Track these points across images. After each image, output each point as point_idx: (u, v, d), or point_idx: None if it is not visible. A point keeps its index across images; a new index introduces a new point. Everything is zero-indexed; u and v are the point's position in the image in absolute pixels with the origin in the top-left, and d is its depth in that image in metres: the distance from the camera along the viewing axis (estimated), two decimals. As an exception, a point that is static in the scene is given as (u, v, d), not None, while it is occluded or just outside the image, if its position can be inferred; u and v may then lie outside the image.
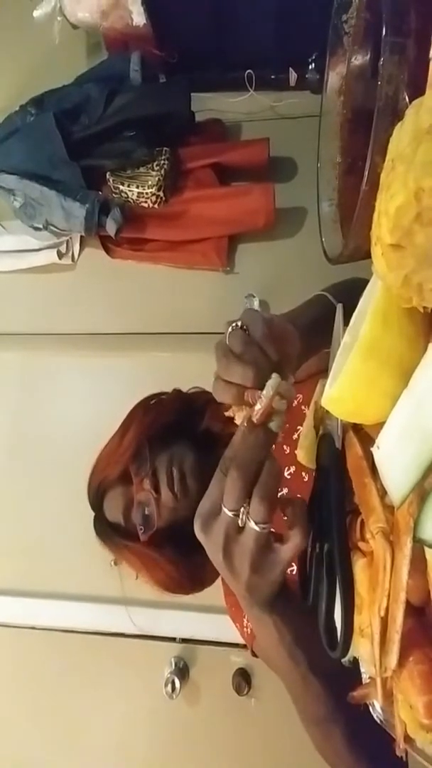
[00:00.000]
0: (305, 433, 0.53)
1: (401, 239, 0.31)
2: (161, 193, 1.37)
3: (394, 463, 0.36)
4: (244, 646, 0.82)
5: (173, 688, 1.31)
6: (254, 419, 0.42)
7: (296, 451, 0.54)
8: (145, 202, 1.38)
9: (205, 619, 1.31)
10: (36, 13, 1.43)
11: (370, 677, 0.44)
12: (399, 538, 0.37)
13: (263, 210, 1.35)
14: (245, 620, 0.77)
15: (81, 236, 1.49)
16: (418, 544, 0.35)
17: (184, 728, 1.36)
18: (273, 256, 1.45)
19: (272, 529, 0.41)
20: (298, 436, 0.55)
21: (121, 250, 1.47)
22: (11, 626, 1.46)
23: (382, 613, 0.38)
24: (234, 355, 0.45)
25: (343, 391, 0.40)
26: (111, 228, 1.35)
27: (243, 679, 1.31)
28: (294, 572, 0.48)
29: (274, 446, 0.43)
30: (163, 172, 1.35)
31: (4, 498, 1.50)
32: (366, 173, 0.43)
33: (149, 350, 1.50)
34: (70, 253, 1.51)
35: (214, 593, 0.85)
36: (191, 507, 0.78)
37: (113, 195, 1.39)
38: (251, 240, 1.45)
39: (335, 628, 0.41)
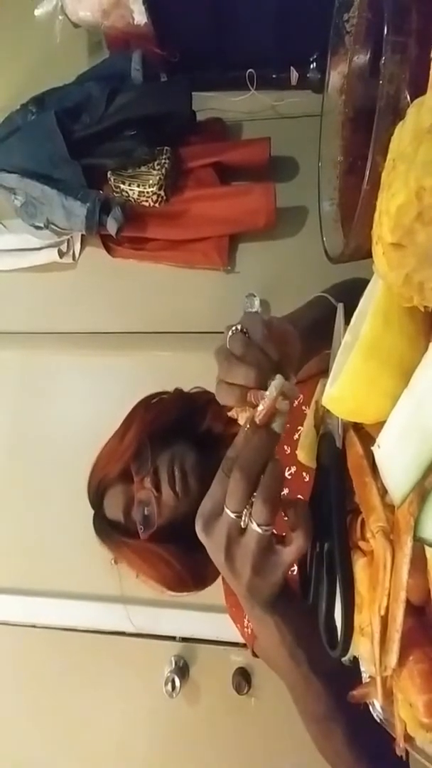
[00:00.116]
0: (306, 432, 0.53)
1: (402, 238, 0.31)
2: (162, 192, 1.37)
3: (395, 462, 0.36)
4: (244, 646, 0.83)
5: (173, 687, 1.31)
6: (257, 420, 0.42)
7: (297, 451, 0.54)
8: (146, 201, 1.38)
9: (206, 618, 1.31)
10: (37, 12, 1.43)
11: (370, 676, 0.44)
12: (399, 537, 0.37)
13: (264, 209, 1.35)
14: (246, 621, 0.77)
15: (82, 235, 1.49)
16: (419, 543, 0.35)
17: (184, 727, 1.36)
18: (274, 255, 1.44)
19: (274, 531, 0.41)
20: (299, 436, 0.55)
21: (122, 249, 1.47)
22: (11, 624, 1.46)
23: (383, 612, 0.38)
24: (235, 358, 0.45)
25: (344, 390, 0.40)
26: (112, 227, 1.35)
27: (243, 678, 1.31)
28: (295, 572, 0.48)
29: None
30: (164, 171, 1.35)
31: (4, 498, 1.50)
32: (367, 172, 0.43)
33: (150, 349, 1.50)
34: (70, 252, 1.51)
35: (214, 592, 0.85)
36: (192, 506, 0.79)
37: (114, 194, 1.39)
38: (252, 239, 1.44)
39: (335, 627, 0.41)
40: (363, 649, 0.41)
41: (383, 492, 0.40)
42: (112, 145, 1.37)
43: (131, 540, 0.83)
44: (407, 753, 0.40)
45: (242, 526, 0.41)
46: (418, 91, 0.39)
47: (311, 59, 1.37)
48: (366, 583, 0.41)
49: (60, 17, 1.41)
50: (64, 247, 1.50)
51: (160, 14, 1.35)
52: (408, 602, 0.37)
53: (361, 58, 0.59)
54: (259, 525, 0.40)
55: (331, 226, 0.63)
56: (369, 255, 0.37)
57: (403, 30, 0.40)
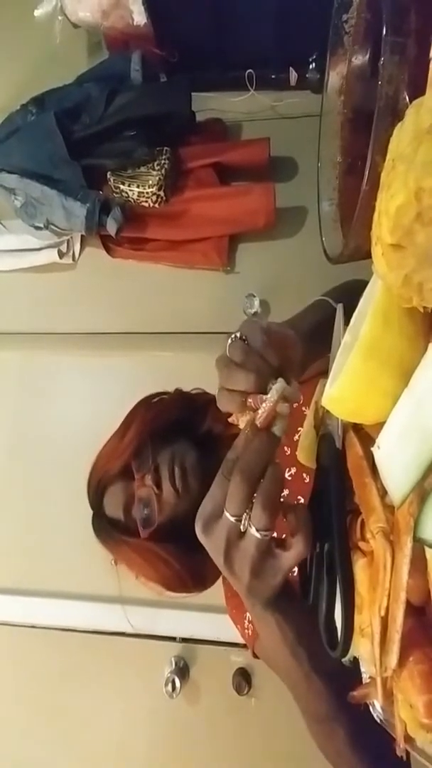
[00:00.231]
0: (305, 432, 0.53)
1: (402, 239, 0.31)
2: (162, 193, 1.37)
3: (395, 462, 0.36)
4: (245, 646, 0.82)
5: (173, 688, 1.31)
6: (258, 423, 0.42)
7: (297, 452, 0.54)
8: (146, 201, 1.38)
9: (206, 618, 1.31)
10: (37, 13, 1.43)
11: (370, 677, 0.44)
12: (399, 538, 0.37)
13: (263, 209, 1.35)
14: (246, 622, 0.77)
15: (82, 236, 1.49)
16: (419, 543, 0.35)
17: (185, 728, 1.36)
18: (273, 255, 1.45)
19: (274, 534, 0.41)
20: (299, 437, 0.55)
21: (121, 249, 1.47)
22: (11, 625, 1.46)
23: (383, 613, 0.38)
24: (235, 365, 0.45)
25: (344, 390, 0.40)
26: (112, 227, 1.35)
27: (243, 678, 1.31)
28: (295, 573, 0.48)
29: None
30: (163, 171, 1.35)
31: (4, 498, 1.50)
32: (366, 173, 0.43)
33: (149, 350, 1.50)
34: (70, 253, 1.51)
35: (214, 593, 0.85)
36: (192, 504, 0.79)
37: (114, 194, 1.39)
38: (252, 240, 1.45)
39: (335, 627, 0.41)
40: (363, 649, 0.41)
41: (383, 492, 0.40)
42: (112, 146, 1.37)
43: (131, 539, 0.82)
44: (408, 754, 0.40)
45: (242, 530, 0.41)
46: (417, 91, 0.39)
47: (310, 60, 1.37)
48: (366, 584, 0.41)
49: (60, 18, 1.41)
50: (64, 248, 1.50)
51: (159, 15, 1.35)
52: (408, 603, 0.37)
53: (360, 59, 0.59)
54: (258, 530, 0.40)
55: (331, 226, 0.63)
56: (368, 255, 0.37)
57: (402, 31, 0.40)
